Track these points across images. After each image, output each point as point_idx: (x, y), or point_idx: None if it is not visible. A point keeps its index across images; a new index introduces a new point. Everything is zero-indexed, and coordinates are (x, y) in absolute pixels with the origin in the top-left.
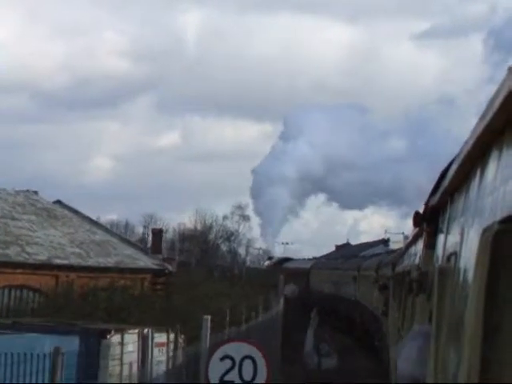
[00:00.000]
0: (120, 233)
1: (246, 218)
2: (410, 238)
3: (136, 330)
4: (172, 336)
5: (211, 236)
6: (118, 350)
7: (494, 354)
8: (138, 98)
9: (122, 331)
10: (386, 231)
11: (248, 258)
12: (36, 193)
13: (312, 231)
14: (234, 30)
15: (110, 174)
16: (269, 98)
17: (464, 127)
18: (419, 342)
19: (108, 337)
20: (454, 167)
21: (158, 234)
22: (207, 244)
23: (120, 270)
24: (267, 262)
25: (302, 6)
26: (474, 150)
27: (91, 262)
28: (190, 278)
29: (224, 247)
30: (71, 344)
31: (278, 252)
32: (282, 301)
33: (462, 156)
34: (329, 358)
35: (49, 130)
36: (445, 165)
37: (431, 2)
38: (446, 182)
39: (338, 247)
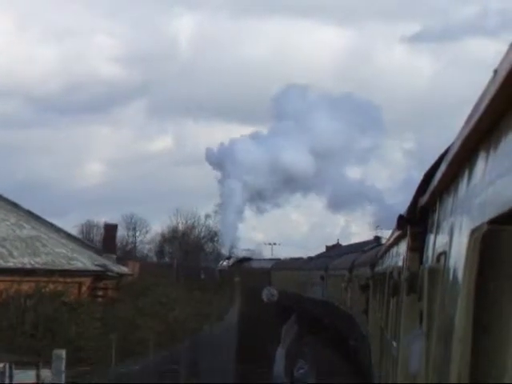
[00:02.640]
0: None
1: (240, 218)
2: (392, 239)
3: None
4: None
5: (193, 236)
6: None
7: (484, 354)
8: (130, 102)
9: None
10: (377, 226)
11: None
12: None
13: (303, 233)
14: (226, 35)
15: (102, 178)
16: (261, 102)
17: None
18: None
19: None
20: (442, 168)
21: (110, 230)
22: (189, 245)
23: (49, 273)
24: (224, 263)
25: (294, 9)
26: (462, 151)
27: (13, 263)
28: (144, 283)
29: (207, 248)
30: None
31: (267, 253)
32: (236, 308)
33: (449, 157)
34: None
35: (41, 135)
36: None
37: (422, 4)
38: (434, 183)
39: (329, 248)
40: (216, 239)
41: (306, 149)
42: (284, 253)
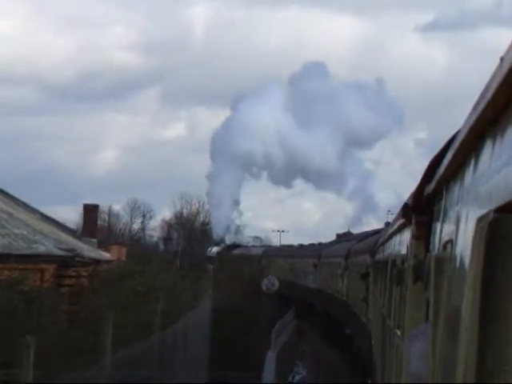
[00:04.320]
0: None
1: (235, 202)
2: (394, 227)
3: None
4: None
5: (197, 223)
6: None
7: (491, 343)
8: (144, 90)
9: None
10: (389, 211)
11: None
12: None
13: (314, 222)
14: (241, 24)
15: (116, 165)
16: None
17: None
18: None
19: None
20: (449, 156)
21: (91, 211)
22: (193, 231)
23: (5, 257)
24: (214, 249)
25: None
26: (468, 138)
27: None
28: (122, 271)
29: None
30: None
31: (275, 240)
32: (208, 301)
33: (456, 145)
34: None
35: (56, 122)
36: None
37: None
38: (440, 171)
39: (339, 236)
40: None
41: (322, 135)
42: (293, 240)
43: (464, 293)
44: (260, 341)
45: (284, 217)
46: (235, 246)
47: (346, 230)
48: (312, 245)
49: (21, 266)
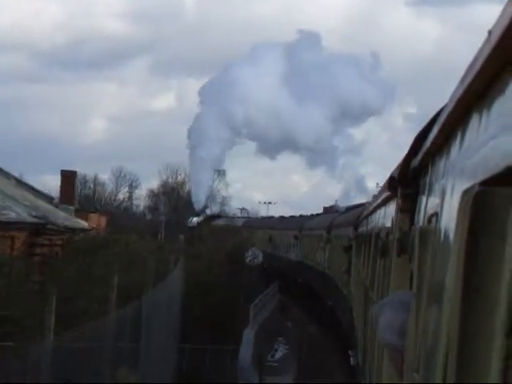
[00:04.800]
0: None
1: (221, 173)
2: (379, 200)
3: None
4: None
5: (182, 192)
6: None
7: (474, 314)
8: (134, 59)
9: None
10: (377, 184)
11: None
12: None
13: (302, 194)
14: None
15: (104, 135)
16: None
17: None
18: (402, 314)
19: None
20: (435, 130)
21: (68, 178)
22: (179, 201)
23: None
24: (194, 219)
25: None
26: (455, 112)
27: None
28: (95, 240)
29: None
30: None
31: (263, 212)
32: (177, 273)
33: (442, 119)
34: (280, 370)
35: (46, 90)
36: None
37: None
38: (426, 145)
39: (326, 209)
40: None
41: (314, 108)
42: (280, 212)
43: (448, 265)
44: (234, 315)
45: (272, 189)
46: (216, 216)
47: (333, 204)
48: (293, 217)
49: None
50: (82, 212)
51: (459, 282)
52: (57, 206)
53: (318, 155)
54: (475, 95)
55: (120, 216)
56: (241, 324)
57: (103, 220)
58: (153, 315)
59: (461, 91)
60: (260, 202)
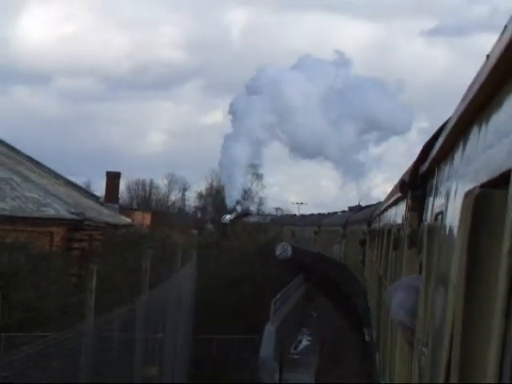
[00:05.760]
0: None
1: (259, 176)
2: (390, 200)
3: None
4: None
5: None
6: None
7: (476, 301)
8: (188, 82)
9: None
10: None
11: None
12: None
13: (331, 195)
14: (270, 26)
15: (162, 146)
16: None
17: None
18: (412, 294)
19: None
20: (441, 139)
21: (113, 178)
22: (221, 203)
23: (13, 220)
24: (227, 216)
25: (330, 6)
26: (458, 124)
27: None
28: (132, 235)
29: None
30: None
31: (296, 211)
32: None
33: (447, 130)
34: (302, 363)
35: (112, 108)
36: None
37: (439, 3)
38: (433, 153)
39: (351, 208)
40: (246, 197)
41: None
42: (309, 211)
43: (452, 257)
44: (260, 305)
45: (304, 191)
46: (246, 214)
47: (356, 204)
48: (312, 215)
49: (29, 229)
50: (126, 210)
51: (462, 272)
52: (102, 204)
53: (344, 163)
54: (475, 110)
55: (170, 214)
56: (266, 314)
57: (147, 217)
58: (170, 308)
59: (463, 106)
60: (293, 203)
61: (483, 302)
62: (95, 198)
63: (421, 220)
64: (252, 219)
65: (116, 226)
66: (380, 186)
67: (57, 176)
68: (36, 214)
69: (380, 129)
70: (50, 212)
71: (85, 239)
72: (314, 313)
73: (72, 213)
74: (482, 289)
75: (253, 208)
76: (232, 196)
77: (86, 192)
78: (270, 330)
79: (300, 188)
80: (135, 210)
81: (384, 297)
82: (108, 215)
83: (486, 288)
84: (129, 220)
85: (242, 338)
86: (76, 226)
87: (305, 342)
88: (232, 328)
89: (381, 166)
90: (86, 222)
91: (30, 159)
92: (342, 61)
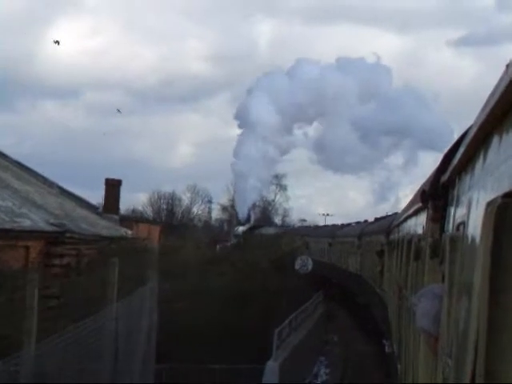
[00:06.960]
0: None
1: (282, 187)
2: (410, 211)
3: None
4: None
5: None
6: None
7: (500, 310)
8: (215, 94)
9: None
10: None
11: None
12: None
13: (358, 207)
14: (298, 38)
15: (188, 158)
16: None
17: None
18: (436, 304)
19: None
20: (461, 149)
21: (113, 186)
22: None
23: None
24: (240, 228)
25: (359, 18)
26: (478, 134)
27: None
28: (125, 248)
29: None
30: None
31: (322, 223)
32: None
33: (467, 140)
34: None
35: (140, 121)
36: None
37: (467, 12)
38: (454, 162)
39: (377, 219)
40: (269, 208)
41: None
42: (337, 222)
43: (475, 267)
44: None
45: (331, 203)
46: (259, 226)
47: (384, 215)
48: (326, 226)
49: (1, 243)
50: (128, 221)
51: (486, 281)
52: (100, 215)
53: (372, 175)
54: (496, 119)
55: (193, 227)
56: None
57: (155, 229)
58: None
59: (484, 115)
60: (319, 214)
61: (507, 311)
62: (93, 208)
63: (442, 230)
64: (265, 231)
65: (111, 239)
66: (408, 197)
67: (51, 184)
68: (8, 226)
69: (412, 139)
70: (26, 223)
71: (67, 254)
72: (334, 336)
73: (52, 224)
74: (506, 298)
75: (277, 220)
76: (243, 207)
77: (82, 202)
78: (271, 367)
79: (328, 200)
80: (139, 221)
81: (408, 305)
82: (104, 227)
83: (510, 297)
84: (129, 232)
85: (248, 367)
86: (56, 238)
87: (323, 376)
88: (237, 355)
89: (408, 179)
90: (67, 235)
91: (20, 165)
92: (375, 71)
